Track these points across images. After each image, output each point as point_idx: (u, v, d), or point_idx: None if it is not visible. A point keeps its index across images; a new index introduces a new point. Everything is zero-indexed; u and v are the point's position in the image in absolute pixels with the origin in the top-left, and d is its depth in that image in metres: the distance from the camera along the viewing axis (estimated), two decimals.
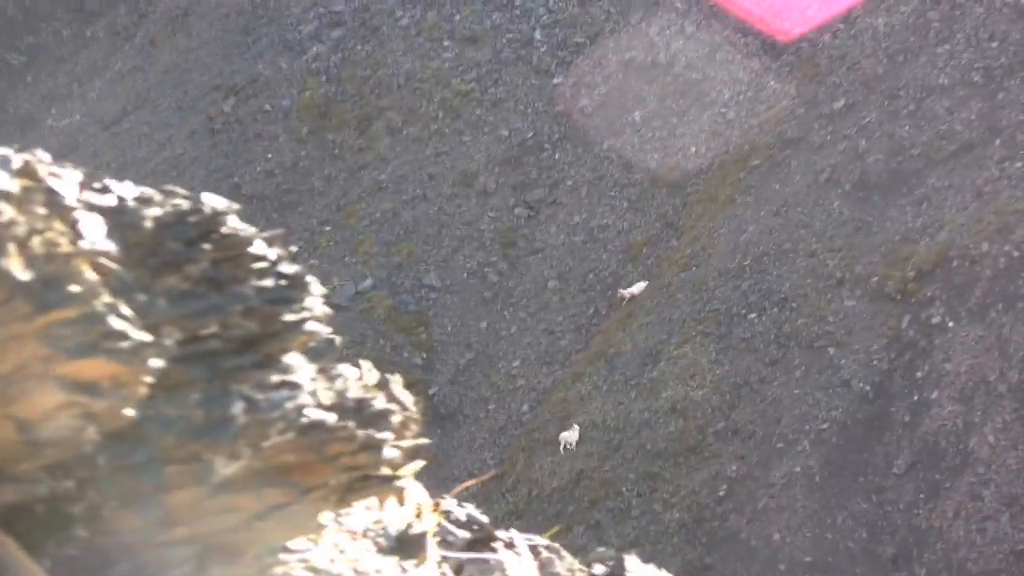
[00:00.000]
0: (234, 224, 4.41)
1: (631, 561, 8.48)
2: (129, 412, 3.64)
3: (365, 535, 5.97)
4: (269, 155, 35.90)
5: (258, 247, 4.42)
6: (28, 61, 55.09)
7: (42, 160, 4.83)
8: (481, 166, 32.40)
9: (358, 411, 4.35)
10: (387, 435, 4.43)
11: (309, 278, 4.60)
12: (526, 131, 33.93)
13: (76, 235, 3.93)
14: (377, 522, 6.13)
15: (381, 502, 6.63)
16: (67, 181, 4.39)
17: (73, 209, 4.08)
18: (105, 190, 4.46)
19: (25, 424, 3.50)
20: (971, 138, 28.57)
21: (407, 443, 5.32)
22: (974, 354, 21.38)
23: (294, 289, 4.38)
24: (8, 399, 3.60)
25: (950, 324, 22.35)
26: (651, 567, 8.58)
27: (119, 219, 4.29)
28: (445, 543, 7.34)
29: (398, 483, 5.31)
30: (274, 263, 4.43)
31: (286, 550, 4.55)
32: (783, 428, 22.78)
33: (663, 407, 23.71)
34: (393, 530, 6.15)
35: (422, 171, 33.89)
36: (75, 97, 51.48)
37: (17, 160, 4.21)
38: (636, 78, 37.96)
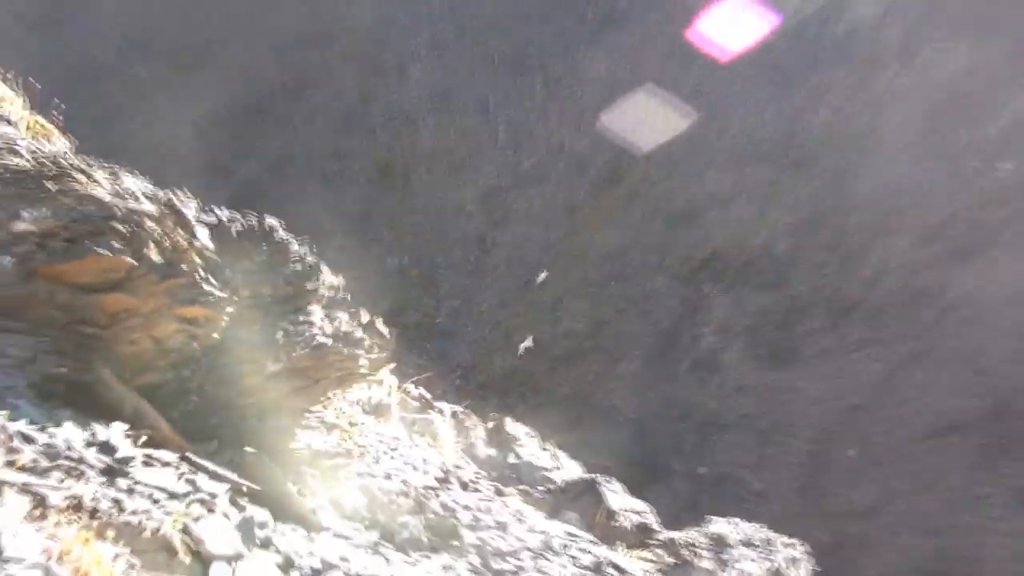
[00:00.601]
0: (281, 234, 6.87)
1: (508, 421, 10.99)
2: (216, 335, 5.89)
3: (357, 403, 8.35)
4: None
5: (294, 247, 6.89)
6: None
7: (180, 193, 7.29)
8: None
9: (346, 338, 6.67)
10: (361, 352, 6.75)
11: (323, 265, 7.04)
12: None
13: (192, 237, 6.30)
14: (367, 397, 8.56)
15: (368, 386, 9.06)
16: (190, 206, 6.84)
17: (192, 224, 6.49)
18: (210, 211, 6.91)
19: (158, 340, 5.64)
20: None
21: (376, 356, 7.78)
22: (725, 311, 31.22)
23: (312, 271, 6.76)
24: (149, 326, 5.73)
25: (712, 293, 31.77)
26: (521, 425, 11.04)
27: (217, 229, 6.74)
28: (405, 408, 9.82)
29: (371, 377, 7.70)
30: (303, 257, 6.84)
31: (308, 411, 6.90)
32: (620, 343, 31.92)
33: (560, 333, 32.31)
34: (373, 401, 8.55)
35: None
36: None
37: (164, 195, 6.65)
38: None
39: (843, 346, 29.35)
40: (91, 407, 5.80)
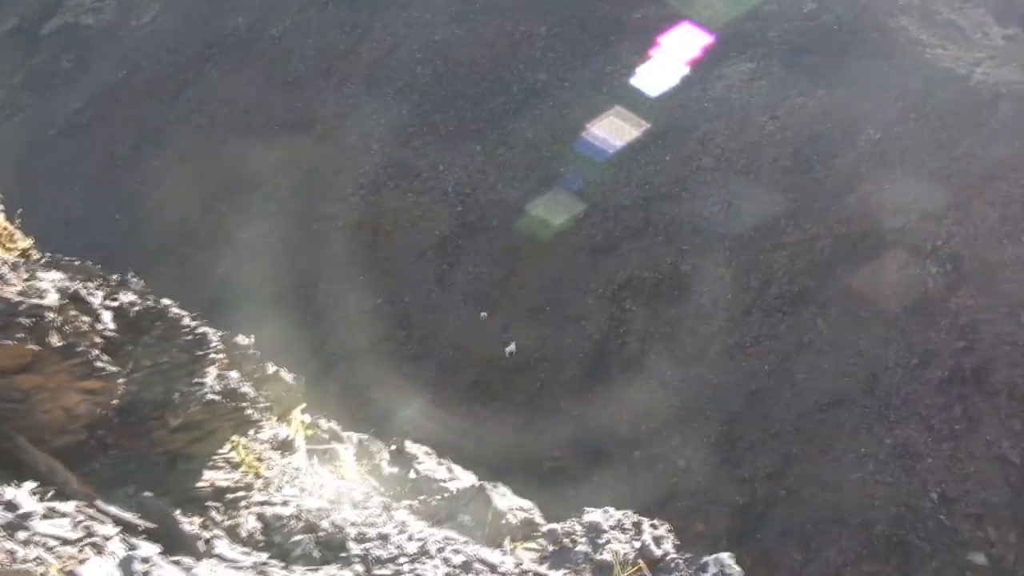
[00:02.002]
0: (173, 311, 6.80)
1: (408, 443, 10.91)
2: (115, 401, 5.84)
3: (267, 441, 8.23)
4: None
5: (185, 321, 6.82)
6: None
7: (89, 279, 7.20)
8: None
9: (233, 393, 6.61)
10: (247, 404, 6.70)
11: (212, 334, 6.98)
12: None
13: (95, 321, 6.23)
14: (275, 435, 8.44)
15: (277, 425, 8.98)
16: (97, 295, 6.75)
17: (96, 310, 6.41)
18: (115, 297, 6.82)
19: (67, 408, 5.60)
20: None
21: (264, 405, 7.71)
22: (644, 322, 31.54)
23: (204, 340, 6.69)
24: (56, 398, 5.70)
25: (633, 309, 31.85)
26: (419, 445, 10.99)
27: (120, 311, 6.64)
28: (314, 441, 9.71)
29: (273, 419, 7.63)
30: (194, 328, 6.78)
31: (215, 454, 6.81)
32: (561, 355, 32.36)
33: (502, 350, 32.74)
34: (280, 438, 8.43)
35: None
36: None
37: (73, 287, 6.58)
38: None
39: (742, 343, 29.54)
40: (11, 469, 5.71)
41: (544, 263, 34.20)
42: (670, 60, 38.49)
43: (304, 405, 9.91)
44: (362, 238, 37.34)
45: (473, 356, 33.16)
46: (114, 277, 8.47)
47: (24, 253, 8.93)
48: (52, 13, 59.64)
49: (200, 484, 6.65)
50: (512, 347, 32.99)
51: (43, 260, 8.38)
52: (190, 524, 6.14)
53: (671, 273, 31.99)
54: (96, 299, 6.62)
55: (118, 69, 52.86)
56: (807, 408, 26.96)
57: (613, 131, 37.30)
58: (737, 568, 8.62)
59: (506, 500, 9.69)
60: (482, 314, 33.92)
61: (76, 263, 8.31)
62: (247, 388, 7.05)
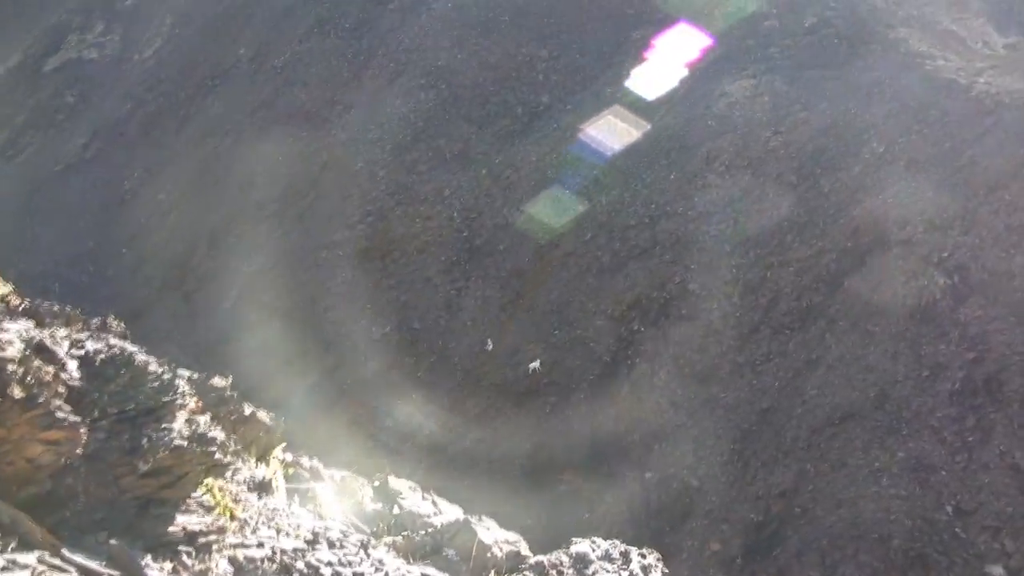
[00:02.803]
0: (140, 357, 6.85)
1: (391, 479, 10.92)
2: (79, 451, 5.87)
3: (244, 482, 8.24)
4: None
5: (152, 367, 6.86)
6: None
7: (68, 324, 7.24)
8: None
9: (200, 438, 6.64)
10: (216, 448, 6.73)
11: (178, 379, 7.02)
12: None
13: (60, 370, 6.27)
14: (251, 476, 8.46)
15: (256, 465, 9.00)
16: (62, 344, 6.80)
17: (62, 359, 6.45)
18: (81, 346, 6.86)
19: (30, 459, 5.62)
20: None
21: (233, 448, 7.75)
22: (653, 342, 31.20)
23: (169, 386, 6.73)
24: (19, 450, 5.72)
25: (641, 329, 31.51)
26: (404, 480, 11.00)
27: (85, 359, 6.69)
28: (295, 480, 9.71)
29: (236, 465, 7.65)
30: (159, 373, 6.82)
31: (188, 497, 6.83)
32: (571, 378, 32.48)
33: (521, 374, 33.38)
34: (257, 478, 8.45)
35: None
36: None
37: (38, 337, 6.63)
38: None
39: (752, 361, 29.45)
40: None
41: (551, 286, 34.22)
42: (671, 79, 38.58)
43: (284, 444, 9.91)
44: (369, 265, 37.42)
45: (483, 382, 33.18)
46: (94, 321, 8.50)
47: (2, 299, 8.96)
48: (55, 49, 60.07)
49: (172, 529, 6.65)
50: (536, 364, 32.91)
51: (21, 307, 8.40)
52: (160, 570, 6.14)
53: (679, 292, 31.96)
54: (61, 348, 6.65)
55: (122, 104, 53.22)
56: (819, 424, 26.88)
57: (617, 147, 37.39)
58: None
59: (491, 533, 9.66)
60: (488, 345, 33.83)
61: (55, 308, 8.36)
62: (216, 432, 7.07)
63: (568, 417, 31.33)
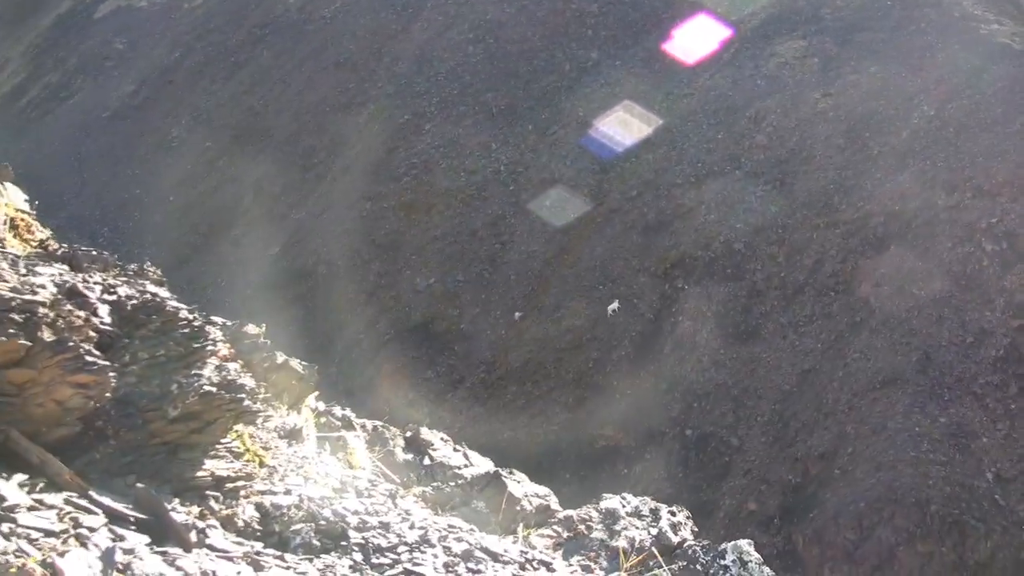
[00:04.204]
0: (171, 304, 6.90)
1: (423, 430, 10.94)
2: (108, 394, 5.90)
3: (275, 430, 8.29)
4: None
5: (182, 313, 6.90)
6: None
7: (105, 269, 7.27)
8: None
9: (230, 385, 6.67)
10: (245, 395, 6.75)
11: (209, 326, 7.05)
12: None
13: (92, 315, 6.32)
14: (283, 424, 8.51)
15: (288, 413, 9.05)
16: (95, 288, 6.84)
17: (94, 304, 6.50)
18: (113, 291, 6.91)
19: (60, 402, 5.66)
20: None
21: (263, 395, 7.80)
22: (696, 300, 31.13)
23: (200, 333, 6.76)
24: (49, 392, 5.76)
25: (685, 287, 31.53)
26: (436, 432, 11.03)
27: (117, 305, 6.73)
28: (327, 428, 9.76)
29: (261, 414, 7.68)
30: (191, 320, 6.86)
31: (218, 443, 6.87)
32: (613, 334, 32.43)
33: (563, 329, 33.42)
34: (288, 426, 8.49)
35: None
36: None
37: (71, 282, 6.67)
38: None
39: (795, 322, 29.34)
40: (5, 462, 5.77)
41: (595, 242, 34.16)
42: (721, 37, 38.32)
43: (317, 393, 9.93)
44: (414, 217, 37.48)
45: (524, 336, 33.20)
46: (131, 267, 8.53)
47: (42, 244, 9.01)
48: None
49: (200, 474, 6.67)
50: (615, 305, 32.87)
51: (59, 251, 8.46)
52: (186, 514, 6.16)
53: (723, 251, 31.84)
54: (94, 293, 6.68)
55: (171, 51, 53.41)
56: (860, 387, 26.78)
57: (664, 109, 37.22)
58: (755, 555, 8.53)
59: (521, 487, 9.64)
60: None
61: (93, 253, 8.39)
62: (246, 379, 7.07)
63: (609, 373, 31.33)
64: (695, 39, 38.74)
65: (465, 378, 33.21)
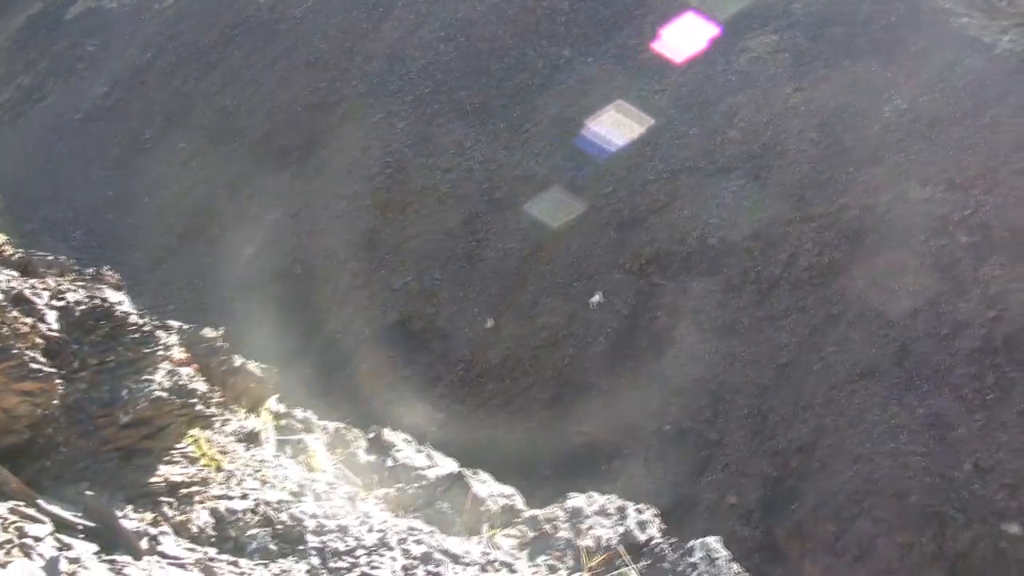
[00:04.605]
0: (121, 309, 6.81)
1: (386, 431, 10.89)
2: (55, 400, 5.85)
3: (232, 434, 8.23)
4: None
5: (132, 319, 6.82)
6: None
7: (61, 274, 7.22)
8: None
9: (181, 390, 6.61)
10: (197, 400, 6.69)
11: (160, 331, 6.98)
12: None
13: (38, 321, 6.25)
14: (241, 427, 8.44)
15: (246, 416, 8.98)
16: (43, 295, 6.77)
17: (41, 310, 6.42)
18: (61, 297, 6.83)
19: (7, 410, 5.61)
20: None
21: (217, 400, 7.73)
22: (672, 296, 31.38)
23: (150, 337, 6.69)
24: None
25: (661, 283, 31.73)
26: (399, 433, 10.97)
27: (65, 311, 6.65)
28: (287, 432, 9.70)
29: (216, 418, 7.63)
30: (140, 325, 6.79)
31: (172, 448, 6.81)
32: (589, 330, 32.59)
33: (539, 326, 33.51)
34: (246, 430, 8.43)
35: None
36: None
37: (17, 288, 6.60)
38: None
39: (771, 316, 29.38)
40: None
41: (571, 239, 34.18)
42: (693, 33, 38.37)
43: (277, 395, 9.88)
44: (389, 216, 37.41)
45: (503, 332, 33.21)
46: (88, 271, 8.46)
47: None
48: None
49: (154, 480, 6.62)
50: (598, 297, 32.86)
51: (14, 257, 8.36)
52: (139, 521, 6.10)
53: (699, 247, 31.88)
54: (41, 299, 6.61)
55: (142, 52, 53.14)
56: (838, 380, 26.87)
57: (638, 104, 37.21)
58: (724, 551, 8.52)
59: (486, 487, 9.61)
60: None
61: (48, 258, 8.33)
62: (198, 384, 7.03)
63: (586, 370, 31.36)
64: (670, 36, 38.78)
65: (443, 376, 33.17)
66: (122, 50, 54.63)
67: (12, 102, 55.98)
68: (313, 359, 34.59)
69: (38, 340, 6.16)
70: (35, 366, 5.96)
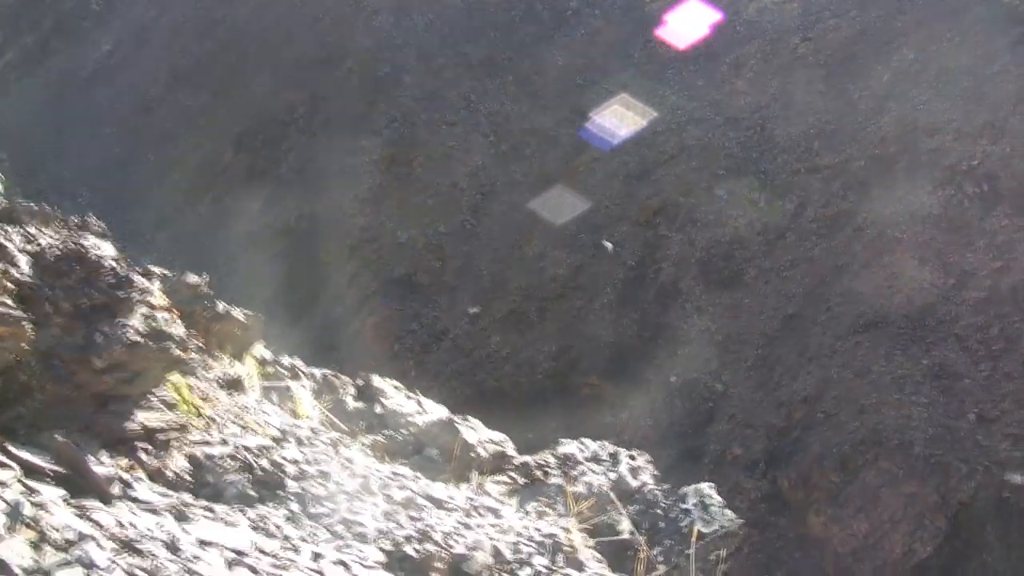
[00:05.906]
0: (96, 252, 6.66)
1: (375, 378, 10.74)
2: (25, 347, 5.70)
3: (216, 379, 8.11)
4: None
5: (106, 263, 6.67)
6: None
7: (44, 223, 7.07)
8: None
9: (159, 334, 6.47)
10: (173, 345, 6.54)
11: (135, 277, 6.83)
12: None
13: (9, 266, 6.09)
14: (224, 373, 8.32)
15: (231, 362, 8.84)
16: (13, 239, 6.60)
17: (13, 255, 6.26)
18: (33, 241, 6.67)
19: None
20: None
21: (196, 344, 7.57)
22: (679, 247, 31.17)
23: (125, 282, 6.54)
24: None
25: (668, 235, 31.52)
26: (389, 380, 10.82)
27: (38, 256, 6.50)
28: (273, 378, 9.57)
29: (196, 363, 7.49)
30: (115, 270, 6.63)
31: (150, 394, 6.67)
32: (596, 283, 32.44)
33: (547, 278, 33.45)
34: (230, 375, 8.31)
35: None
36: None
37: None
38: None
39: (777, 267, 29.27)
40: None
41: (578, 191, 34.01)
42: None
43: (263, 342, 9.73)
44: (396, 170, 37.26)
45: (509, 286, 33.08)
46: (73, 219, 8.29)
47: None
48: None
49: (130, 425, 6.50)
50: (610, 244, 32.89)
51: None
52: (114, 467, 5.99)
53: (705, 198, 31.71)
54: (12, 244, 6.46)
55: (147, 10, 52.93)
56: (843, 331, 26.77)
57: (645, 56, 36.93)
58: (717, 498, 8.43)
59: (476, 433, 9.48)
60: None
61: (33, 208, 8.17)
62: (175, 329, 6.88)
63: (593, 322, 31.29)
64: None
65: (449, 329, 33.09)
66: (127, 8, 54.43)
67: (17, 61, 55.83)
68: (321, 313, 34.56)
69: (9, 285, 6.03)
70: (3, 310, 5.79)
